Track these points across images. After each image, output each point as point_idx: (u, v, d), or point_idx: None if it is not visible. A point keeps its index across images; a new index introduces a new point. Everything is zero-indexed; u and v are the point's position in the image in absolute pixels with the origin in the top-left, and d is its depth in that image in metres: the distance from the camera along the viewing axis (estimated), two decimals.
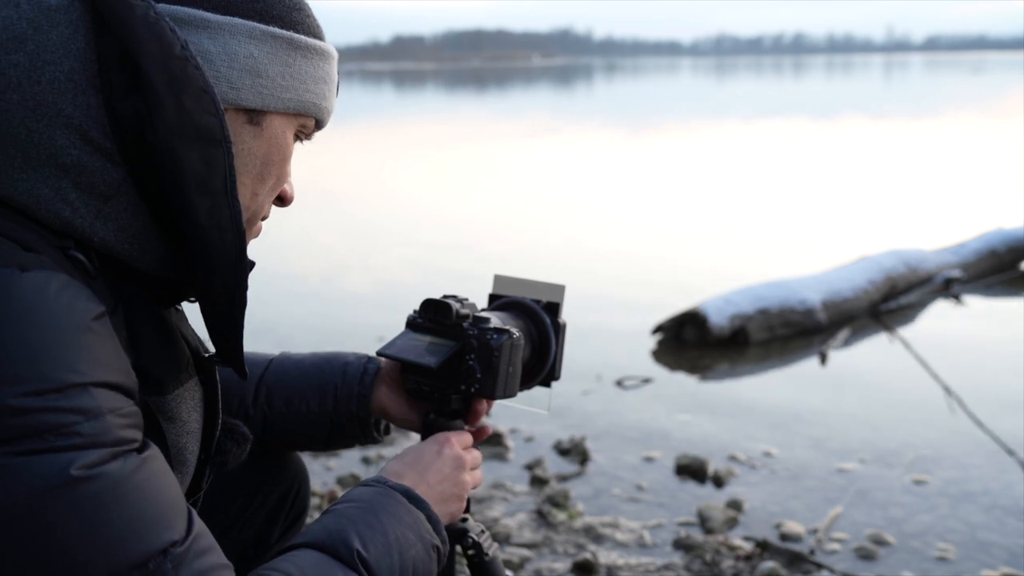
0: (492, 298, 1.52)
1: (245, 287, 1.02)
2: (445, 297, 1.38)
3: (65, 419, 0.82)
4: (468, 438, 1.35)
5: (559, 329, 1.47)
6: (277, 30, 1.02)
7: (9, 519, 0.80)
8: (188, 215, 0.95)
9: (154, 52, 0.92)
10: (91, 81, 0.92)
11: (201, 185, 0.95)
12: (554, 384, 1.50)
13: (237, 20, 1.00)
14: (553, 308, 1.48)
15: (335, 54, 1.11)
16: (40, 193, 0.91)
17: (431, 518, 1.15)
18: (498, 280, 1.53)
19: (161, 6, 0.97)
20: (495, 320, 1.37)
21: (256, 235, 1.13)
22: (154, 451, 0.91)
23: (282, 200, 1.14)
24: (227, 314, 1.03)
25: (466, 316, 1.36)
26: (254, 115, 1.03)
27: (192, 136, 0.94)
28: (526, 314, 1.48)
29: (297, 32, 1.04)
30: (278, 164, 1.08)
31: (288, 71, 1.03)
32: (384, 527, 1.08)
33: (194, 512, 0.92)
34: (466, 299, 1.39)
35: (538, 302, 1.48)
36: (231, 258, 0.99)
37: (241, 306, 1.03)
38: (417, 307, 1.39)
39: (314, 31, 1.07)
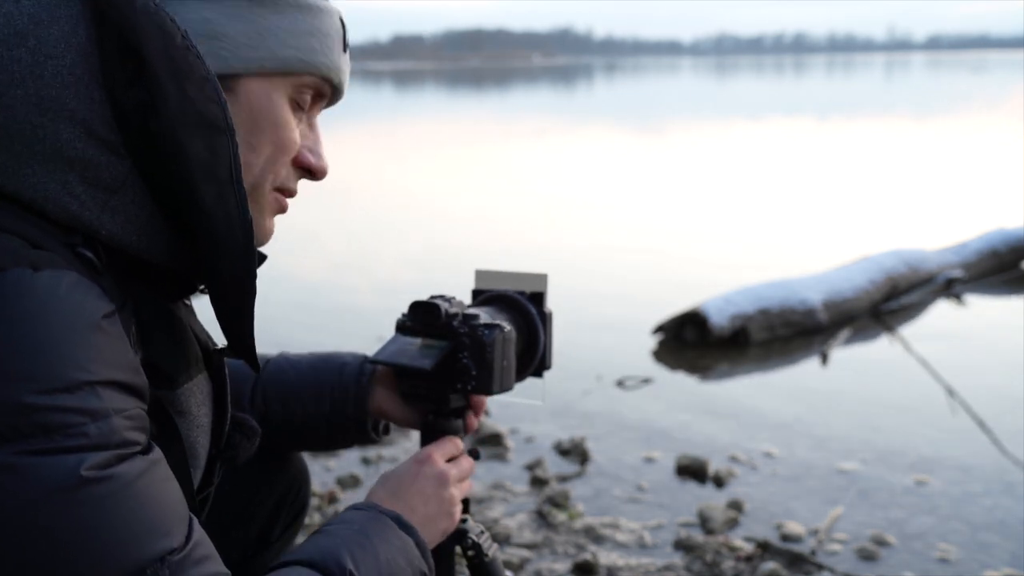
0: (476, 293, 1.51)
1: (254, 275, 1.01)
2: (432, 298, 1.38)
3: (72, 419, 0.81)
4: (453, 447, 1.34)
5: (546, 319, 1.47)
6: None
7: (13, 519, 0.79)
8: (195, 203, 0.95)
9: (156, 43, 0.91)
10: (93, 75, 0.92)
11: (207, 173, 0.94)
12: (547, 376, 1.50)
13: None
14: (538, 298, 1.47)
15: (321, 6, 1.05)
16: (47, 187, 0.90)
17: (419, 544, 1.16)
18: (479, 275, 1.52)
19: None
20: (484, 316, 1.37)
21: (280, 211, 1.10)
22: (158, 454, 0.90)
23: (312, 173, 1.10)
24: (237, 303, 1.02)
25: (455, 315, 1.35)
26: (224, 81, 0.98)
27: (196, 124, 0.93)
28: (512, 307, 1.47)
29: None
30: (269, 131, 1.03)
31: (252, 28, 1.00)
32: (375, 549, 1.09)
33: (195, 519, 0.92)
34: (453, 297, 1.39)
35: (522, 293, 1.48)
36: (239, 244, 0.98)
37: (251, 295, 1.02)
38: (405, 310, 1.39)
39: None
